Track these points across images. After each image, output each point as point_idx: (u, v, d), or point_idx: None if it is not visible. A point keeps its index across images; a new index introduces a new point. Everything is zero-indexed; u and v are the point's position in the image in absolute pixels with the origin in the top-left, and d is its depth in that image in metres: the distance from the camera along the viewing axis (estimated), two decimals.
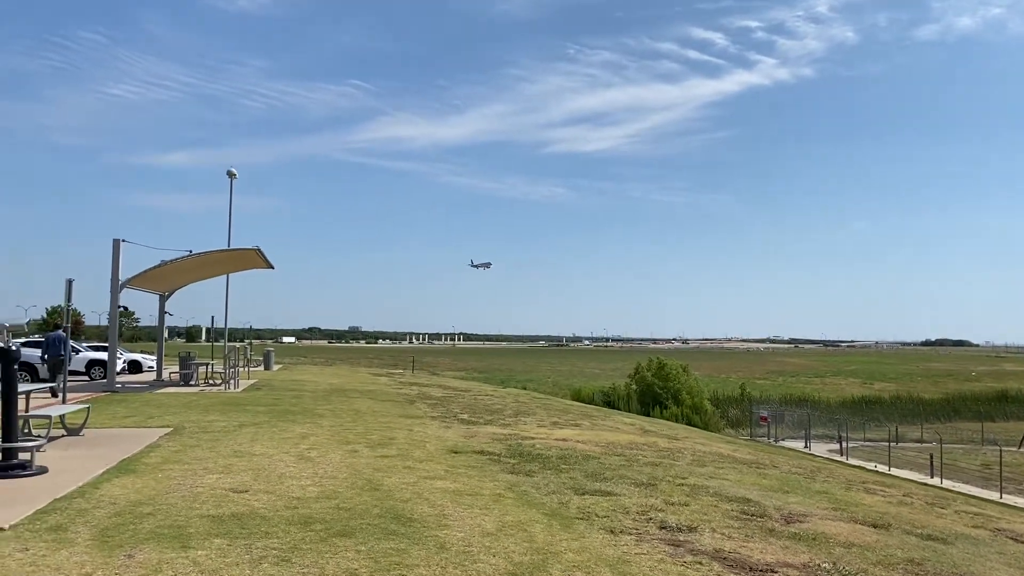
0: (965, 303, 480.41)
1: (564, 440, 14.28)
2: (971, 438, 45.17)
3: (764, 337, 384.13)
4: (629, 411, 41.47)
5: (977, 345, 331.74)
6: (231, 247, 21.60)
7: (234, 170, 33.85)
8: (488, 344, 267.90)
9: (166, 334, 30.05)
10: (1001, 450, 34.70)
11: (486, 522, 7.17)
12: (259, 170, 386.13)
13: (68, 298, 15.28)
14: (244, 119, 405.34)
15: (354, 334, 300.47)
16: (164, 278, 23.30)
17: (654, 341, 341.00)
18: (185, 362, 26.01)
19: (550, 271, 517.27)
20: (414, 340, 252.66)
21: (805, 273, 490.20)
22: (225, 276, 31.35)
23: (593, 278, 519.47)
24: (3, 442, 8.20)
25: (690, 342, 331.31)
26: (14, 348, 8.25)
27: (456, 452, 11.84)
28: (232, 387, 21.74)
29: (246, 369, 23.00)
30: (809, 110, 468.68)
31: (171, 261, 20.55)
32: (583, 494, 8.99)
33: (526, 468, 10.66)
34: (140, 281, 21.26)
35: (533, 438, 14.22)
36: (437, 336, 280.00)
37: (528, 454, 11.96)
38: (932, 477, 30.64)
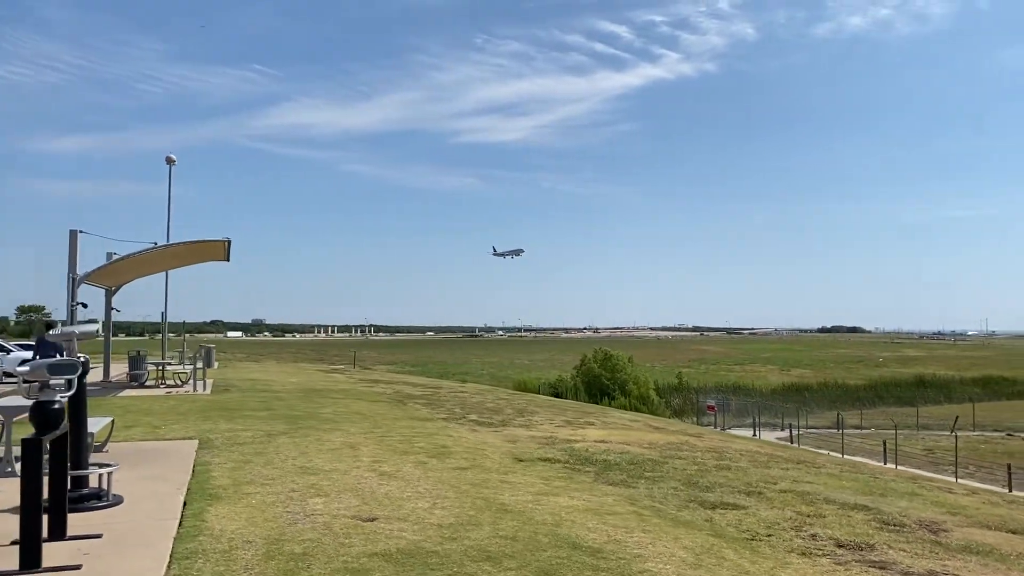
0: (853, 292, 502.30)
1: (605, 442, 13.98)
2: (905, 423, 47.80)
3: (671, 325, 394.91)
4: (577, 400, 41.71)
5: (869, 331, 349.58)
6: (200, 239, 20.03)
7: (173, 156, 31.80)
8: (401, 336, 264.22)
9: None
10: (956, 435, 35.42)
11: (672, 549, 6.79)
12: (158, 156, 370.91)
13: (73, 296, 13.72)
14: (141, 104, 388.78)
15: (259, 327, 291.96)
16: (117, 272, 21.55)
17: (566, 330, 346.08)
18: (136, 362, 24.35)
19: (460, 261, 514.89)
20: (321, 332, 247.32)
21: (707, 262, 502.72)
22: (165, 272, 29.37)
23: (503, 268, 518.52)
24: (72, 468, 6.95)
25: (600, 331, 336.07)
26: (84, 359, 7.00)
27: (522, 460, 11.29)
28: (200, 388, 20.01)
29: (197, 368, 21.27)
30: (711, 104, 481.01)
31: (137, 253, 18.92)
32: (711, 507, 8.67)
33: (611, 477, 10.32)
34: (97, 276, 19.55)
35: (574, 441, 13.88)
36: (347, 328, 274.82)
37: (594, 460, 11.60)
38: (886, 464, 31.21)
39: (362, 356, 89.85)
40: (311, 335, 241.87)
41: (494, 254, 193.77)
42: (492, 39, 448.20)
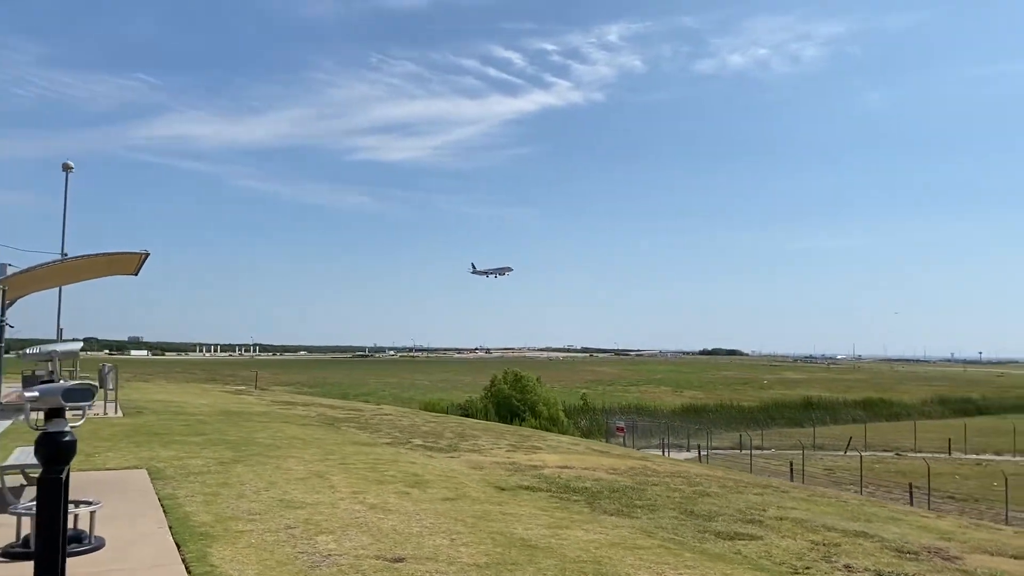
0: (731, 316, 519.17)
1: (568, 467, 13.94)
2: (799, 443, 49.10)
3: (559, 346, 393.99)
4: (487, 420, 40.74)
5: (747, 354, 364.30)
6: (118, 251, 18.71)
7: (71, 163, 29.86)
8: (289, 356, 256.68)
9: None
10: (861, 455, 36.75)
11: None
12: (30, 164, 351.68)
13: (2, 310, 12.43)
14: (12, 108, 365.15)
15: (136, 344, 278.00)
16: (20, 285, 19.88)
17: (457, 351, 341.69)
18: (32, 382, 21.51)
19: (351, 280, 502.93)
20: (204, 351, 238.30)
21: (594, 284, 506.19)
22: (58, 288, 27.45)
23: (392, 288, 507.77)
24: None
25: (492, 351, 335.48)
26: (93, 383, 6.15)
27: (504, 489, 10.97)
28: (111, 411, 18.68)
29: (108, 389, 19.74)
30: (599, 131, 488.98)
31: (46, 264, 17.44)
32: (728, 538, 8.60)
33: (605, 506, 10.16)
34: None
35: (538, 467, 13.72)
36: (230, 347, 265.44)
37: (574, 487, 11.39)
38: (792, 482, 31.75)
39: (257, 377, 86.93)
40: (195, 354, 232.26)
41: (473, 271, 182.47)
42: (387, 59, 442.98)
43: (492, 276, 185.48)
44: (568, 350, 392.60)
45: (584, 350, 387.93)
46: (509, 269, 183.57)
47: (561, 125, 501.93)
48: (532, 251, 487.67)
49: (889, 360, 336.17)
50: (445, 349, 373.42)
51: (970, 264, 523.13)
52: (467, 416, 44.17)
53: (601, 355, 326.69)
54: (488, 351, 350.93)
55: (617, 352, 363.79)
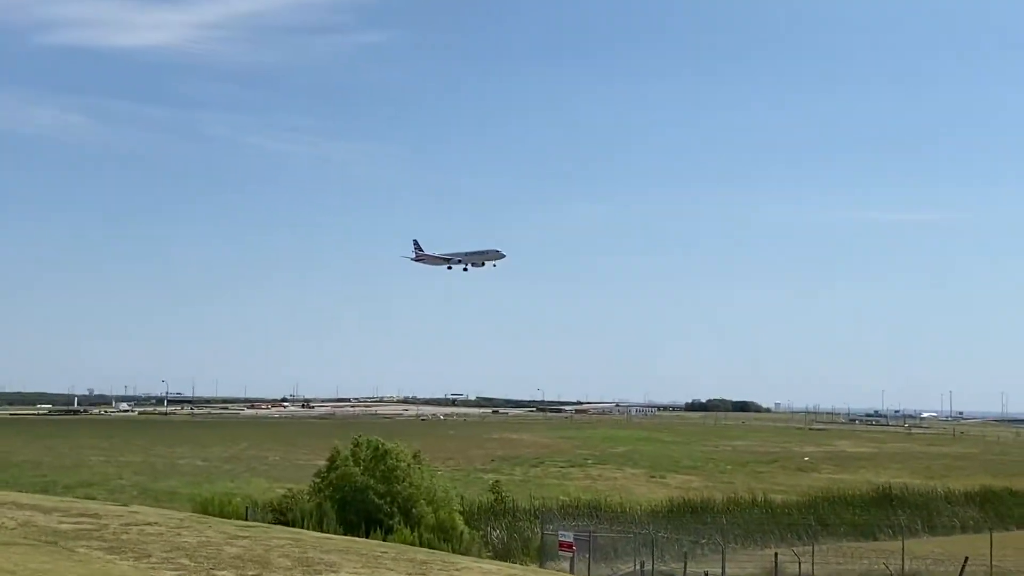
0: (738, 347, 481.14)
1: None
2: (879, 567, 40.19)
3: (439, 395, 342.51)
4: (324, 531, 32.99)
5: (767, 409, 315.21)
6: None
7: None
8: None
9: None
10: None
11: None
12: None
13: None
14: None
15: None
16: None
17: (250, 403, 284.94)
18: None
19: (50, 277, 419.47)
20: None
21: (504, 291, 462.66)
22: None
23: (134, 291, 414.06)
24: None
25: (313, 404, 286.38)
26: None
27: None
28: None
29: None
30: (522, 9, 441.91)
31: None
32: None
33: None
34: None
35: None
36: None
37: None
38: None
39: None
40: None
41: (416, 257, 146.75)
42: None
43: (463, 266, 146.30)
44: (455, 402, 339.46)
45: (483, 402, 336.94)
46: (498, 254, 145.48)
47: None
48: (388, 224, 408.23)
49: (1011, 421, 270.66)
50: (228, 400, 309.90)
51: None
52: (286, 524, 35.99)
53: (514, 410, 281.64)
54: (307, 404, 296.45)
55: (542, 406, 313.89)
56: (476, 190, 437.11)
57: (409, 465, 41.23)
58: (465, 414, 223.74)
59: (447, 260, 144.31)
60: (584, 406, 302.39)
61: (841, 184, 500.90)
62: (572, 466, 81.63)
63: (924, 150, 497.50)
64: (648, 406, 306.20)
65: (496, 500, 54.77)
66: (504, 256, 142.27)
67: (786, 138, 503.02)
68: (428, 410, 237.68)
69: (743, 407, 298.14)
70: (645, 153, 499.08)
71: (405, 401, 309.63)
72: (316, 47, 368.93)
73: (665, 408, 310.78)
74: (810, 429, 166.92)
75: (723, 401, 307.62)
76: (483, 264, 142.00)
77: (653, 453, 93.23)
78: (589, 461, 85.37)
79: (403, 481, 40.20)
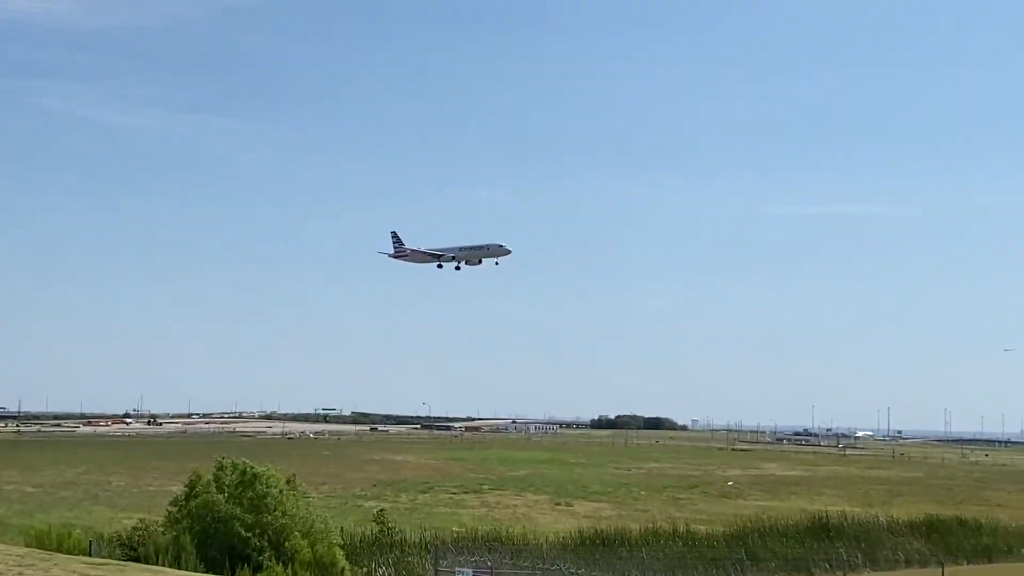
0: (649, 360, 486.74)
1: None
2: None
3: (307, 411, 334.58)
4: (183, 569, 32.64)
5: (683, 427, 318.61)
6: None
7: None
8: None
9: None
10: None
11: None
12: None
13: None
14: None
15: None
16: None
17: (90, 419, 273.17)
18: None
19: None
20: None
21: (383, 291, 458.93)
22: None
23: None
24: None
25: (161, 421, 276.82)
26: None
27: None
28: None
29: None
30: None
31: None
32: None
33: None
34: None
35: None
36: None
37: None
38: None
39: None
40: None
41: (396, 252, 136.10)
42: None
43: (455, 264, 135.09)
44: (327, 418, 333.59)
45: (359, 418, 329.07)
46: (502, 250, 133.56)
47: None
48: (255, 214, 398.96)
49: (955, 441, 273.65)
50: (61, 417, 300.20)
51: None
52: (137, 560, 35.88)
53: (395, 427, 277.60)
54: (154, 420, 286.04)
55: (428, 423, 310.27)
56: (359, 175, 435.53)
57: (282, 492, 40.63)
58: (339, 432, 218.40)
59: (437, 256, 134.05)
60: (476, 423, 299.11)
61: (772, 179, 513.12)
62: (466, 492, 79.99)
63: (857, 142, 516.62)
64: (549, 423, 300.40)
65: (381, 531, 53.79)
66: (509, 252, 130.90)
67: (689, 130, 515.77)
68: (295, 427, 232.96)
69: (656, 424, 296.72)
70: (549, 142, 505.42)
71: (268, 417, 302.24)
72: (173, 6, 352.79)
73: (568, 425, 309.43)
74: (733, 449, 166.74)
75: (634, 418, 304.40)
76: (479, 262, 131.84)
77: (557, 477, 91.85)
78: (485, 486, 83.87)
79: (275, 510, 39.37)
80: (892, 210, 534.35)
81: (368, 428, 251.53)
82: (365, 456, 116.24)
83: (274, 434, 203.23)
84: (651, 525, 62.52)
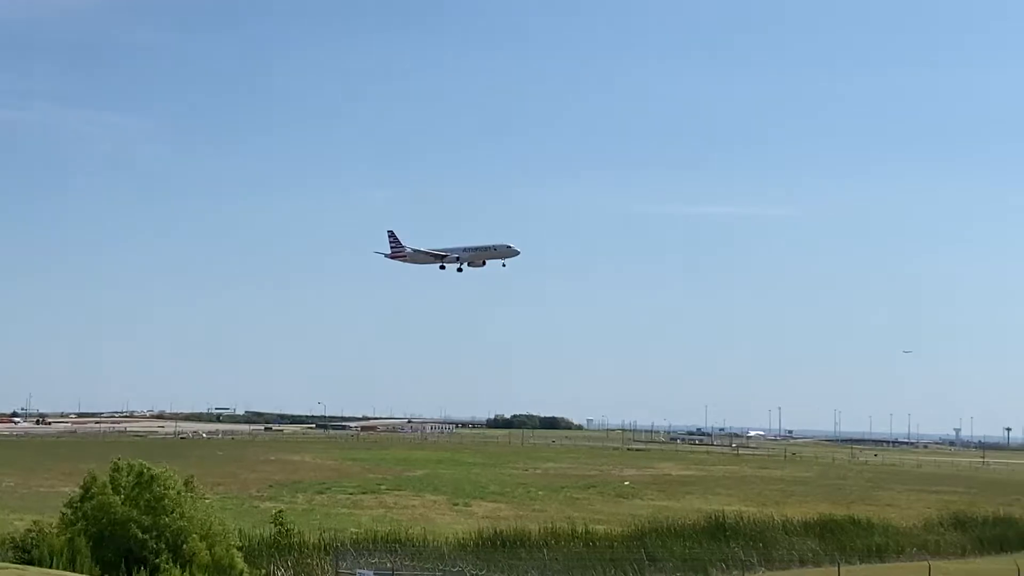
0: (546, 359, 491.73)
1: None
2: None
3: (201, 410, 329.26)
4: (77, 571, 32.97)
5: (579, 426, 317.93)
6: None
7: None
8: None
9: None
10: None
11: None
12: None
13: None
14: None
15: None
16: None
17: None
18: None
19: None
20: None
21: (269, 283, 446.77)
22: None
23: None
24: None
25: (50, 420, 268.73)
26: None
27: None
28: None
29: None
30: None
31: None
32: None
33: None
34: None
35: None
36: None
37: None
38: None
39: None
40: None
41: (392, 253, 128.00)
42: None
43: (458, 265, 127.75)
44: (220, 417, 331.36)
45: (253, 417, 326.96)
46: (511, 251, 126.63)
47: None
48: (150, 210, 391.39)
49: (844, 441, 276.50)
50: None
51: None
52: (30, 563, 35.67)
53: (290, 427, 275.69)
54: (43, 420, 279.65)
55: (322, 422, 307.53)
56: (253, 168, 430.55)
57: (180, 493, 39.78)
58: (232, 431, 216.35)
59: (440, 257, 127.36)
60: (371, 422, 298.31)
61: (645, 178, 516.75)
62: (364, 492, 79.65)
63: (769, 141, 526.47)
64: (445, 422, 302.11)
65: (279, 533, 52.82)
66: (518, 253, 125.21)
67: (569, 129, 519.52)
68: (188, 426, 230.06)
69: (552, 424, 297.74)
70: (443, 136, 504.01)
71: (160, 416, 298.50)
72: None
73: (464, 425, 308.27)
74: (628, 449, 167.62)
75: (530, 417, 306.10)
76: (483, 263, 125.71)
77: (455, 477, 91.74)
78: (383, 486, 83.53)
79: (172, 512, 38.63)
80: (790, 211, 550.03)
81: (262, 428, 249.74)
82: (261, 456, 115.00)
83: (167, 434, 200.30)
84: (550, 525, 62.06)
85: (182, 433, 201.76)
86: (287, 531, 53.12)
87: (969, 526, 74.76)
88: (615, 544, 59.14)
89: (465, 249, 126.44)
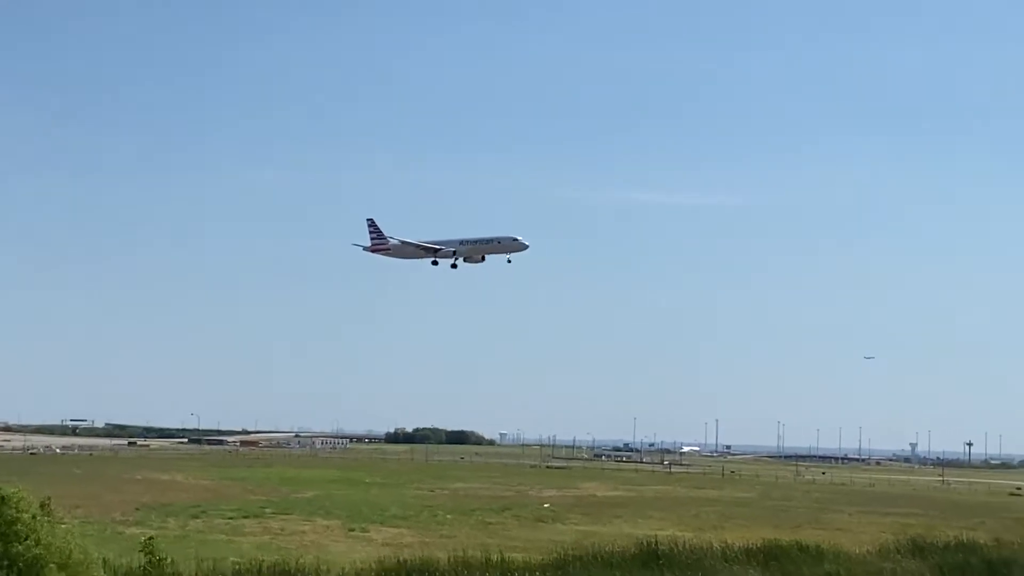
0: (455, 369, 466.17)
1: None
2: None
3: (54, 421, 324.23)
4: None
5: (491, 441, 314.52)
6: None
7: None
8: None
9: None
10: None
11: None
12: None
13: None
14: None
15: None
16: None
17: None
18: None
19: None
20: None
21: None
22: None
23: None
24: None
25: None
26: None
27: None
28: None
29: None
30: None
31: None
32: None
33: None
34: None
35: None
36: None
37: None
38: None
39: None
40: None
41: (375, 245, 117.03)
42: None
43: (451, 261, 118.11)
44: (76, 430, 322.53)
45: (115, 430, 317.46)
46: (517, 244, 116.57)
47: None
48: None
49: (788, 458, 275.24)
50: None
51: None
52: None
53: (158, 441, 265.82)
54: None
55: (196, 436, 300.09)
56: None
57: (35, 517, 33.94)
58: (91, 446, 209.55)
59: (433, 251, 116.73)
60: (253, 436, 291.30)
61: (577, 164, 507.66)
62: (245, 516, 76.05)
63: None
64: (337, 437, 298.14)
65: (149, 563, 45.80)
66: (526, 247, 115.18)
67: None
68: (39, 440, 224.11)
69: (460, 438, 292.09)
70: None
71: (6, 429, 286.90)
72: None
73: (360, 440, 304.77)
74: (547, 467, 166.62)
75: (435, 431, 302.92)
76: (483, 259, 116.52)
77: (350, 499, 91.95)
78: (267, 510, 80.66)
79: (26, 539, 32.99)
80: (729, 199, 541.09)
81: (126, 442, 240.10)
82: (125, 475, 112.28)
83: (14, 448, 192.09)
84: (460, 553, 57.16)
85: (32, 448, 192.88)
86: (159, 560, 46.07)
87: (928, 552, 69.36)
88: (535, 574, 54.64)
89: (462, 242, 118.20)
